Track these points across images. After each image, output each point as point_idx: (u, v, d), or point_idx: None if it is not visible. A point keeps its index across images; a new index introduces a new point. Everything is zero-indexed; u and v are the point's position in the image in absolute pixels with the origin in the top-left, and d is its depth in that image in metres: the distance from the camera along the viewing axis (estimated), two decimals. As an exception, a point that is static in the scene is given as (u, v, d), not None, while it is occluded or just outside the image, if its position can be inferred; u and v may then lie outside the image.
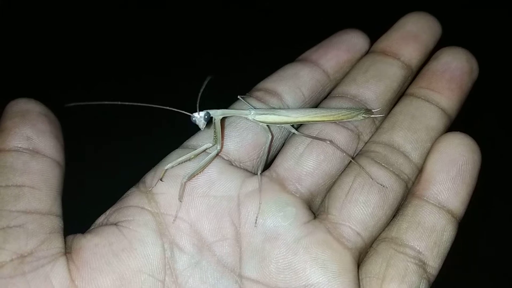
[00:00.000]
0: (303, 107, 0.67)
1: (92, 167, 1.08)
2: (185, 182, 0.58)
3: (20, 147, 0.57)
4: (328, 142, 0.61)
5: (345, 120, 0.64)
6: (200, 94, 0.56)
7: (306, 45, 0.73)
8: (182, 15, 1.60)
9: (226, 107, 0.67)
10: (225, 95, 0.68)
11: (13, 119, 0.59)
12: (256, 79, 0.70)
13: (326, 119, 0.63)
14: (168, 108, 0.57)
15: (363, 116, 0.64)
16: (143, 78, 1.47)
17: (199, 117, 0.60)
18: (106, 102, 0.52)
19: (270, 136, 0.62)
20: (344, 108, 0.64)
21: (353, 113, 0.63)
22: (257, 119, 0.61)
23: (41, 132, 0.59)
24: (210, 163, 0.59)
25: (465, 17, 1.28)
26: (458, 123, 0.67)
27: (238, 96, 0.66)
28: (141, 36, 1.57)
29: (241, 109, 0.62)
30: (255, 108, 0.62)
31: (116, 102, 0.52)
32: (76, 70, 1.49)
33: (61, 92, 1.34)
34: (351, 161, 0.62)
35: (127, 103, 0.52)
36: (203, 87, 0.53)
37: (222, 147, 0.61)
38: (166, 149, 0.64)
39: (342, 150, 0.62)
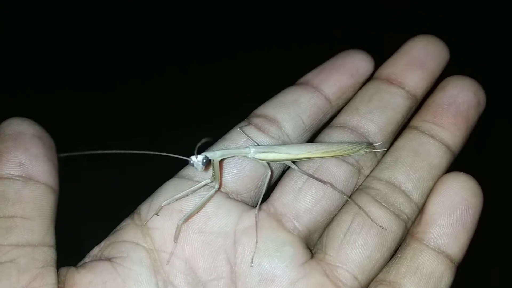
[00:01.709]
0: (303, 142, 0.64)
1: (85, 184, 1.06)
2: (181, 224, 0.56)
3: (12, 174, 0.55)
4: (328, 185, 0.59)
5: (346, 155, 0.62)
6: (198, 145, 0.54)
7: (304, 46, 0.70)
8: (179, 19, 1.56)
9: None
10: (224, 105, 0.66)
11: (6, 143, 0.56)
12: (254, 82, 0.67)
13: (327, 155, 0.61)
14: (165, 154, 0.55)
15: (364, 151, 0.62)
16: (132, 82, 1.43)
17: (197, 161, 0.58)
18: (99, 152, 0.50)
19: (270, 173, 0.61)
20: (345, 143, 0.62)
21: (355, 148, 0.62)
22: (257, 157, 0.60)
23: (34, 156, 0.56)
24: (208, 202, 0.58)
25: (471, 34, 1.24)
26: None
27: (238, 128, 0.63)
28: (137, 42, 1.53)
29: (240, 148, 0.60)
30: (254, 146, 0.60)
31: (111, 151, 0.50)
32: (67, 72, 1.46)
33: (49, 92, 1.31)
34: (351, 196, 0.61)
35: (122, 151, 0.50)
36: (200, 143, 0.52)
37: (220, 185, 0.59)
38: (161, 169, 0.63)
39: (342, 192, 0.60)
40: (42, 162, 0.57)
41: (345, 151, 0.62)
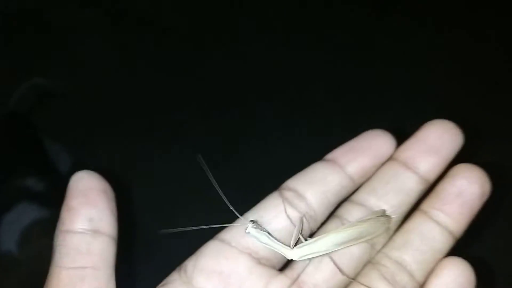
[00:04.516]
0: (333, 231, 0.73)
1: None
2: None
3: (84, 228, 0.66)
4: (338, 270, 0.70)
5: (374, 237, 0.73)
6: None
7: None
8: None
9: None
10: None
11: (78, 199, 0.67)
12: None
13: (357, 243, 0.72)
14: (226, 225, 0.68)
15: (387, 227, 0.73)
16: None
17: (247, 232, 0.68)
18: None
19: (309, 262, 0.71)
20: (369, 224, 0.72)
21: (379, 229, 0.72)
22: (299, 259, 0.70)
23: (101, 211, 0.67)
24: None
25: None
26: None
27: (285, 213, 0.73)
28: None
29: (283, 247, 0.70)
30: (298, 247, 0.70)
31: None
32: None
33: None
34: (363, 270, 0.72)
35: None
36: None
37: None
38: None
39: (349, 277, 0.71)
40: (107, 216, 0.68)
41: (371, 234, 0.72)
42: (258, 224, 0.70)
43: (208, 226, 0.69)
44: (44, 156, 1.63)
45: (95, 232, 0.67)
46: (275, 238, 0.71)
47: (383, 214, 0.74)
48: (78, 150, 1.68)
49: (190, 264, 0.72)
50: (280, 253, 0.71)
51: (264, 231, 0.70)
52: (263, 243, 0.69)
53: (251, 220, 0.70)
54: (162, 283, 0.72)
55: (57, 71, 1.61)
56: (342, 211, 0.77)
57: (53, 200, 1.44)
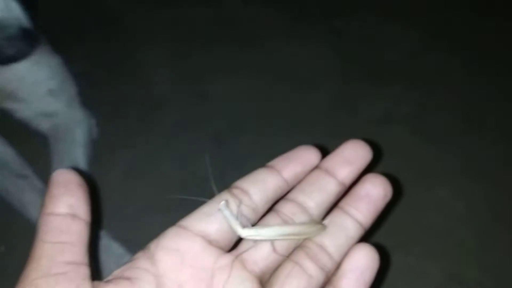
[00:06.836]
0: (279, 225, 0.90)
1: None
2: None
3: (65, 212, 0.80)
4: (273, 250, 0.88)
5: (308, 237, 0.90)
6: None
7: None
8: None
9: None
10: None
11: (60, 189, 0.81)
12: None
13: (293, 238, 0.89)
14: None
15: (319, 232, 0.90)
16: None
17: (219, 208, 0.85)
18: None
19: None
20: (304, 225, 0.90)
21: (313, 232, 0.90)
22: (246, 237, 0.87)
23: (78, 199, 0.82)
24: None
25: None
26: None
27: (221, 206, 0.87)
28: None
29: (237, 225, 0.86)
30: (248, 228, 0.86)
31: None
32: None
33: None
34: (293, 251, 0.91)
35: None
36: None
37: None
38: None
39: (283, 255, 0.88)
40: (83, 204, 0.82)
41: (306, 235, 0.89)
42: (228, 204, 0.87)
43: (189, 197, 0.83)
44: None
45: (73, 216, 0.81)
46: (235, 218, 0.87)
47: (319, 222, 0.92)
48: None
49: (153, 244, 0.87)
50: (233, 232, 0.87)
51: (229, 209, 0.87)
52: (226, 217, 0.85)
53: (225, 200, 0.87)
54: (130, 259, 0.86)
55: None
56: (278, 206, 0.95)
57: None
